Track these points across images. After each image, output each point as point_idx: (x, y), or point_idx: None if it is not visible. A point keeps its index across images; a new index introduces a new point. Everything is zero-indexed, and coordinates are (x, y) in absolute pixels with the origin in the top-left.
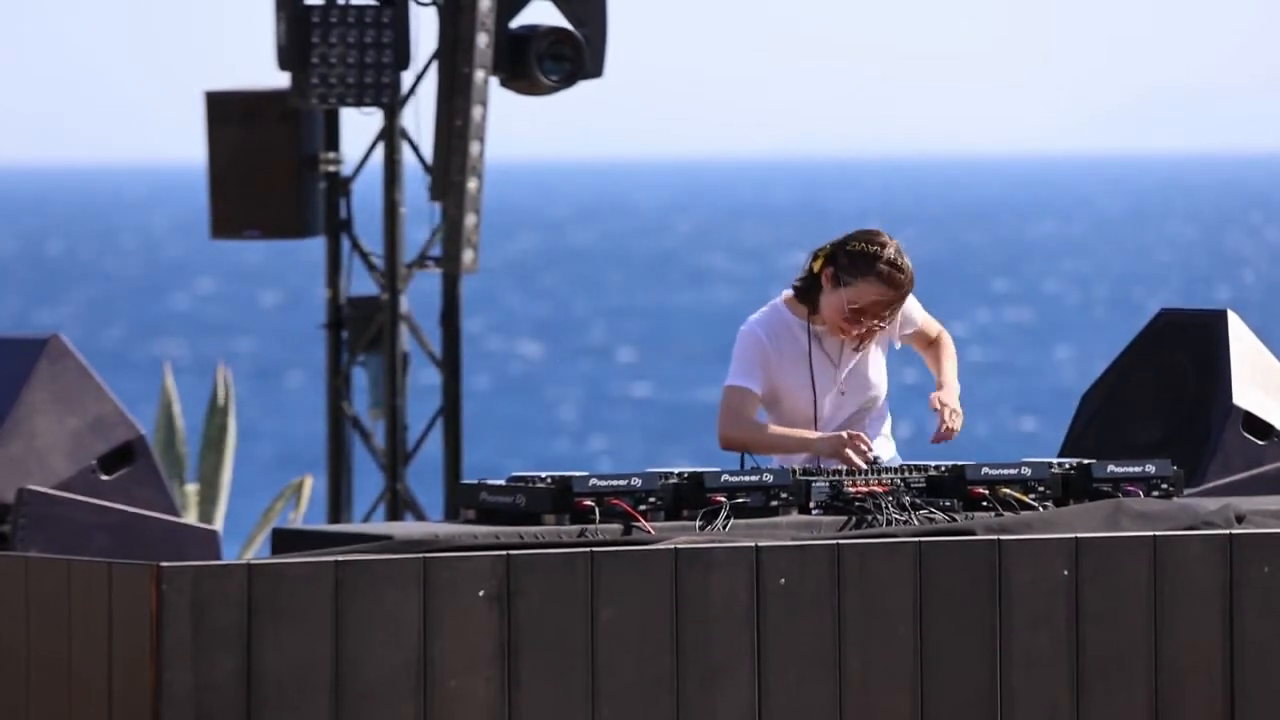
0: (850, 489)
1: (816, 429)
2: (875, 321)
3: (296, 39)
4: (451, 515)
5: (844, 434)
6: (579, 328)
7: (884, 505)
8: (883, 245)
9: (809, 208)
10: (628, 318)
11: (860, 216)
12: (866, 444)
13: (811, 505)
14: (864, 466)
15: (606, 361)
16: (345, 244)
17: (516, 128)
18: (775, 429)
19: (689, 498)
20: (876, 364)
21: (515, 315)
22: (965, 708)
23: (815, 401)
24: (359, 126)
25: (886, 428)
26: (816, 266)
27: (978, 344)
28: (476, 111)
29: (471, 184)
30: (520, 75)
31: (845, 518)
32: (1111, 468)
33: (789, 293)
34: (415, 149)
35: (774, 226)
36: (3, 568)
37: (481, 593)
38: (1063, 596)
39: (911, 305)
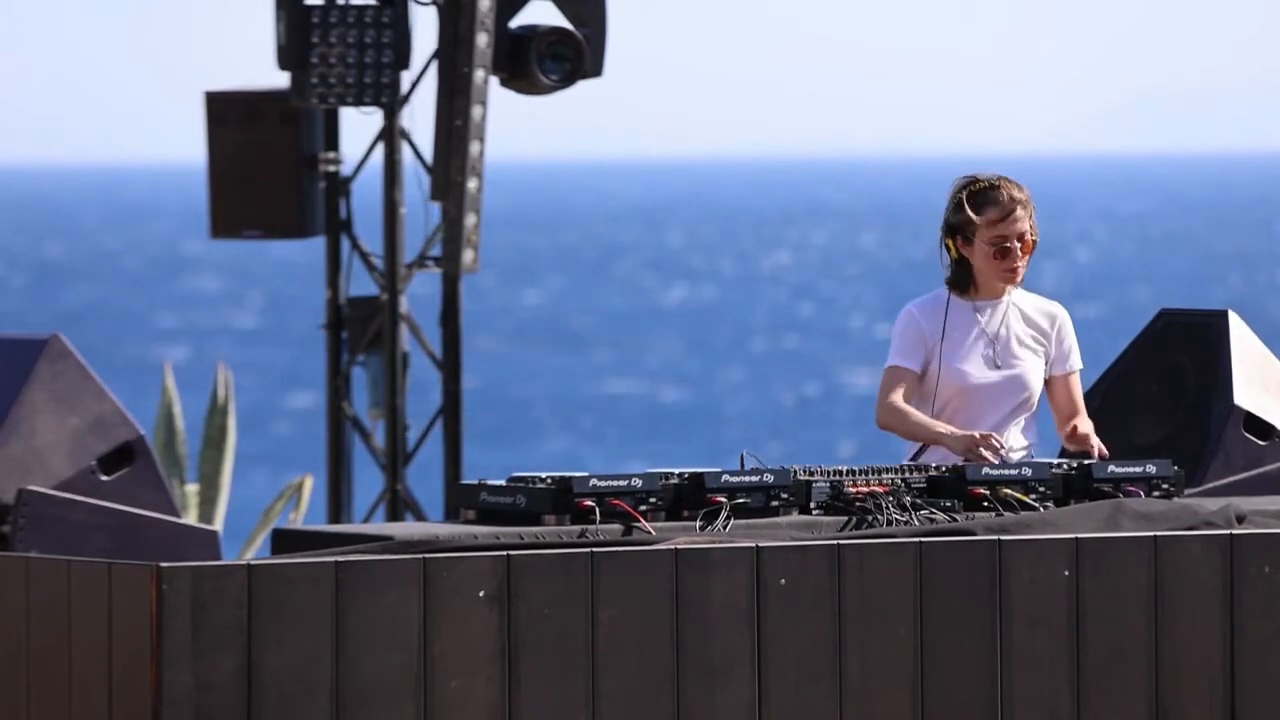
0: (850, 489)
1: (969, 401)
2: (1018, 236)
3: (296, 39)
4: (451, 516)
5: (977, 434)
6: (565, 326)
7: (884, 505)
8: (968, 179)
9: (809, 207)
10: (618, 317)
11: (860, 216)
12: (999, 442)
13: (812, 505)
14: (995, 463)
15: (587, 359)
16: (345, 244)
17: (517, 128)
18: (915, 418)
19: (689, 498)
20: (1036, 366)
21: (507, 315)
22: (965, 708)
23: (968, 374)
24: (359, 126)
25: (1031, 427)
26: (951, 248)
27: None
28: (476, 111)
29: (471, 184)
30: (520, 75)
31: (845, 518)
32: (1112, 468)
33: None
34: (415, 149)
35: (773, 227)
36: (3, 568)
37: (481, 593)
38: (1063, 596)
39: (1072, 350)
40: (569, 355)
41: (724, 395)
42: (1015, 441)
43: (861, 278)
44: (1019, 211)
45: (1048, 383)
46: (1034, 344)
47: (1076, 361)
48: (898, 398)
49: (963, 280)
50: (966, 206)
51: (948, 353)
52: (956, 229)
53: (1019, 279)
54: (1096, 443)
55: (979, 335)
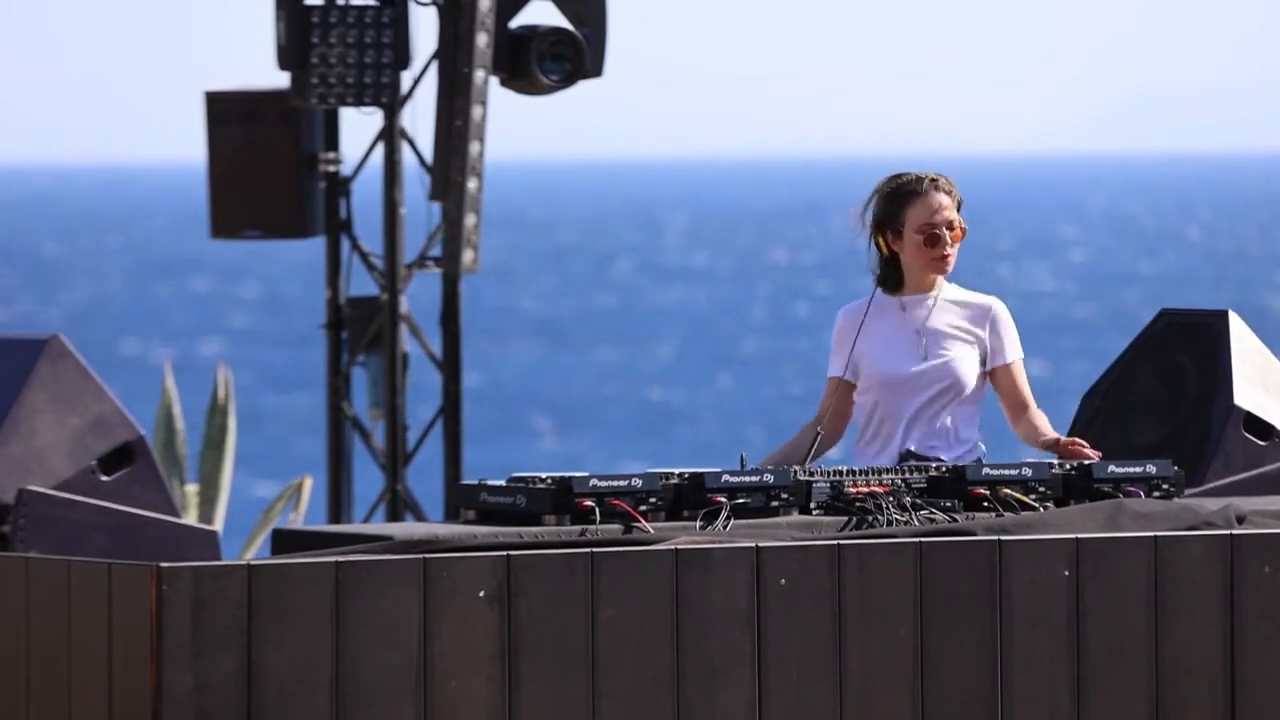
0: (850, 489)
1: (894, 394)
2: (946, 224)
3: (296, 39)
4: (451, 516)
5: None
6: (563, 326)
7: (884, 505)
8: (898, 174)
9: (807, 207)
10: (613, 317)
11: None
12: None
13: (812, 505)
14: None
15: (584, 358)
16: (345, 244)
17: (517, 128)
18: (798, 436)
19: (689, 498)
20: (967, 355)
21: (504, 315)
22: (965, 708)
23: (889, 369)
24: (359, 126)
25: (973, 422)
26: (880, 242)
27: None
28: (476, 111)
29: (471, 184)
30: (520, 75)
31: (845, 518)
32: (1112, 468)
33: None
34: (415, 149)
35: (772, 226)
36: (3, 568)
37: (481, 593)
38: (1063, 596)
39: (1009, 340)
40: (567, 354)
41: (720, 395)
42: (963, 431)
43: (860, 277)
44: (945, 200)
45: (991, 376)
46: (965, 336)
47: (1016, 351)
48: (822, 406)
49: (891, 278)
50: (894, 199)
51: (869, 351)
52: (885, 223)
53: (949, 267)
54: (1087, 449)
55: (904, 330)
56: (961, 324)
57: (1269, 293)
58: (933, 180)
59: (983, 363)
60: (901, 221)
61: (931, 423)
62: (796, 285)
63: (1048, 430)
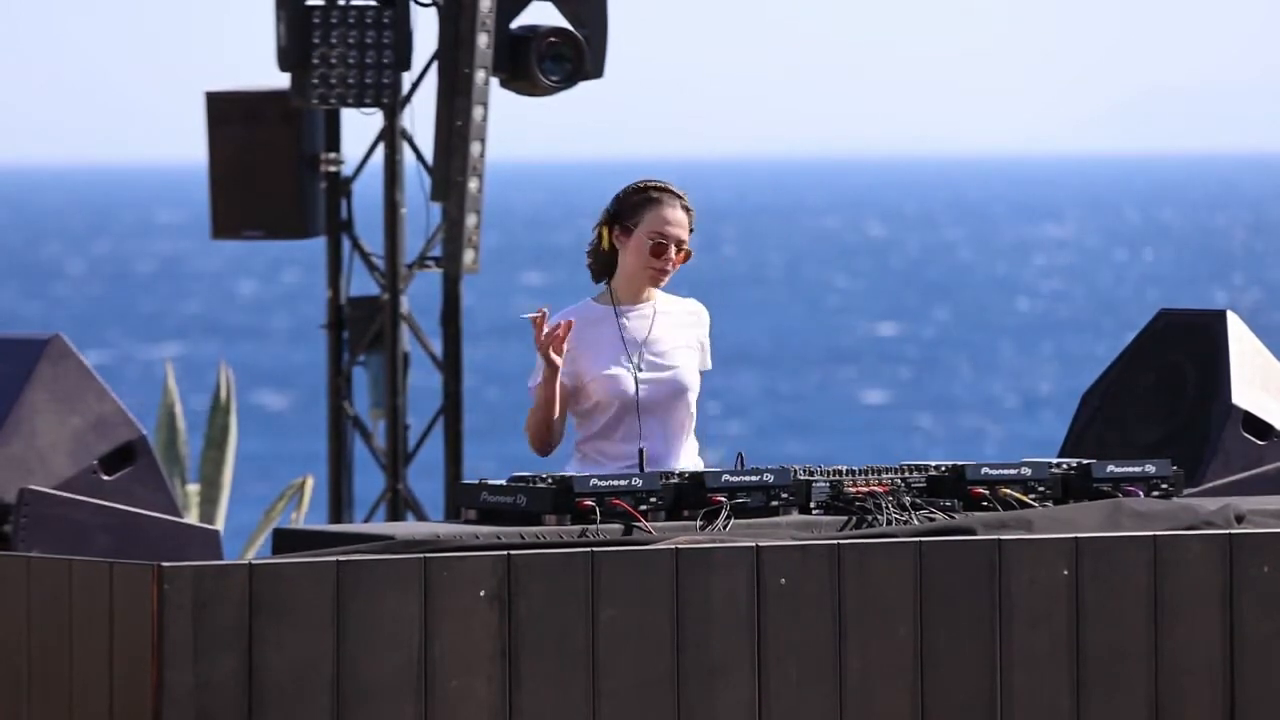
0: (850, 489)
1: (628, 407)
2: (677, 242)
3: (297, 39)
4: (452, 515)
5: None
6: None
7: (884, 505)
8: (647, 180)
9: (806, 207)
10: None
11: (860, 216)
12: (542, 310)
13: (812, 505)
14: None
15: None
16: (346, 244)
17: (517, 128)
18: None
19: (689, 498)
20: (687, 359)
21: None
22: (965, 708)
23: (620, 379)
24: (359, 127)
25: (691, 425)
26: (604, 236)
27: (982, 344)
28: (477, 112)
29: (472, 184)
30: (520, 75)
31: (845, 518)
32: (1111, 468)
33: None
34: (416, 149)
35: (771, 226)
36: (4, 568)
37: (482, 593)
38: (1063, 596)
39: (705, 356)
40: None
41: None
42: (689, 450)
43: (858, 277)
44: (682, 216)
45: None
46: (686, 344)
47: (708, 364)
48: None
49: (602, 271)
50: (637, 197)
51: (595, 361)
52: (619, 216)
53: (664, 282)
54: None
55: (627, 340)
56: (682, 331)
57: (1268, 292)
58: (678, 195)
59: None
60: (636, 221)
61: (665, 429)
62: (798, 285)
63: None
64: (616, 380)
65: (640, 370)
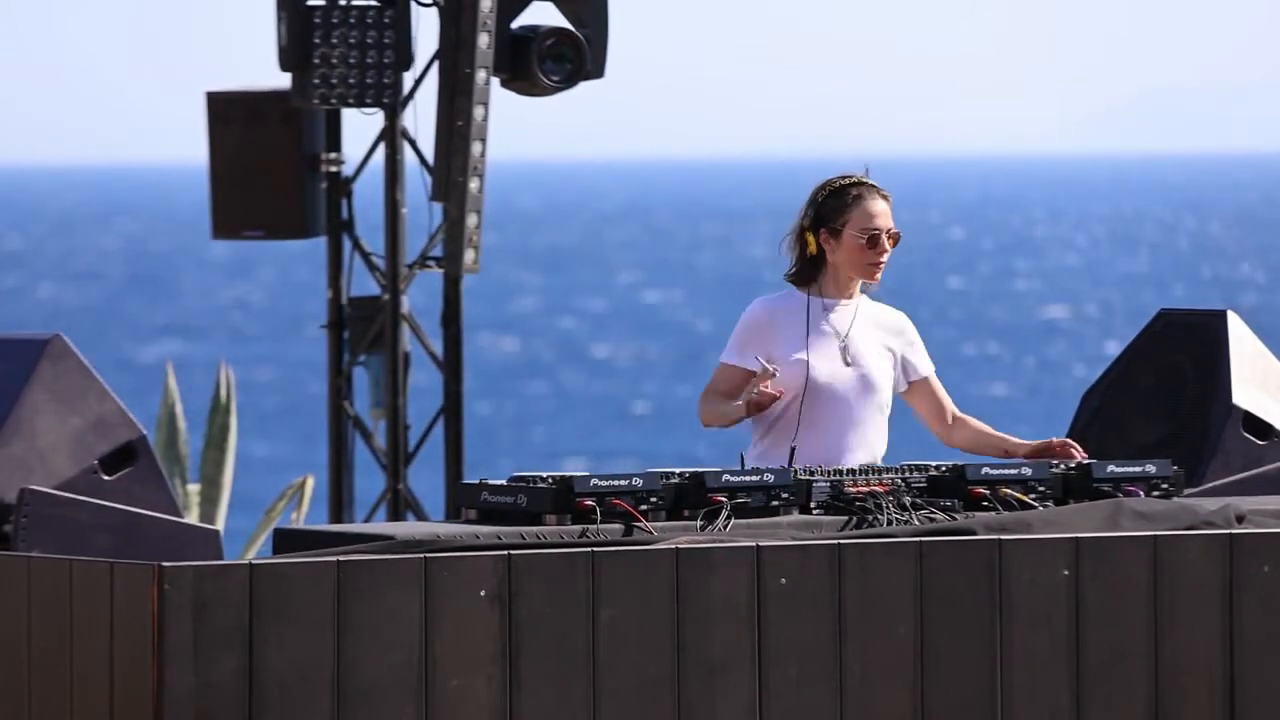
0: (850, 489)
1: (819, 396)
2: (887, 232)
3: (298, 39)
4: (453, 515)
5: (765, 391)
6: (553, 326)
7: (884, 505)
8: (841, 178)
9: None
10: (606, 319)
11: None
12: (772, 370)
13: (812, 505)
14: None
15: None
16: (346, 244)
17: (517, 128)
18: (721, 404)
19: (690, 498)
20: (880, 362)
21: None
22: (965, 708)
23: (816, 368)
24: (360, 127)
25: (883, 422)
26: (811, 241)
27: (976, 344)
28: (478, 112)
29: (473, 184)
30: (521, 75)
31: (846, 517)
32: (1111, 468)
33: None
34: (416, 149)
35: (770, 225)
36: (4, 568)
37: (482, 593)
38: (1063, 596)
39: (921, 357)
40: (559, 353)
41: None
42: (877, 442)
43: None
44: (887, 206)
45: (912, 388)
46: (883, 349)
47: (926, 366)
48: (713, 391)
49: (808, 276)
50: (838, 198)
51: (793, 346)
52: (824, 219)
53: (879, 274)
54: (1078, 450)
55: (830, 331)
56: (879, 335)
57: (1268, 293)
58: (874, 186)
59: (899, 378)
60: (843, 222)
61: (854, 429)
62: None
63: (1007, 436)
64: (806, 367)
65: (831, 361)
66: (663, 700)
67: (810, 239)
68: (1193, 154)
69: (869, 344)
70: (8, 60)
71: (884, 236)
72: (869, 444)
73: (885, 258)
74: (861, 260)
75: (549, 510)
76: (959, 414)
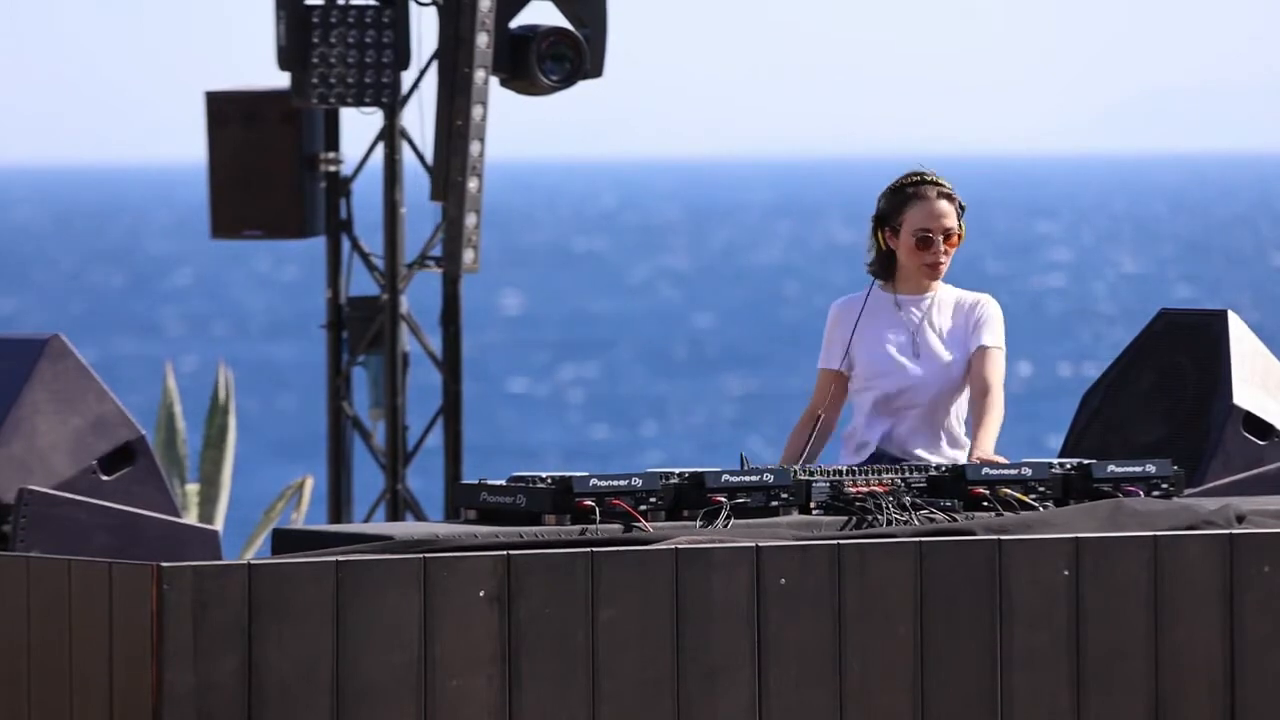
0: (850, 489)
1: (885, 391)
2: (941, 231)
3: (297, 39)
4: (452, 515)
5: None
6: (542, 328)
7: (884, 505)
8: (906, 175)
9: (805, 207)
10: (589, 319)
11: (860, 216)
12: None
13: (812, 505)
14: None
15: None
16: (345, 244)
17: (517, 128)
18: (788, 450)
19: (689, 498)
20: (952, 350)
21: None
22: (965, 708)
23: (879, 363)
24: (359, 126)
25: (961, 406)
26: (880, 239)
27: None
28: (477, 111)
29: (472, 184)
30: (520, 75)
31: (845, 517)
32: (1111, 468)
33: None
34: (415, 149)
35: (770, 226)
36: (3, 568)
37: (482, 593)
38: (1063, 596)
39: (989, 329)
40: (554, 355)
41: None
42: (955, 427)
43: (854, 278)
44: (944, 206)
45: (969, 361)
46: (954, 337)
47: (993, 339)
48: (816, 399)
49: (884, 272)
50: (897, 197)
51: (866, 346)
52: (885, 219)
53: (939, 275)
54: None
55: (898, 326)
56: (955, 322)
57: (1269, 293)
58: (936, 184)
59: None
60: (900, 221)
61: (930, 421)
62: (797, 286)
63: (983, 440)
64: (876, 364)
65: (899, 355)
66: (662, 700)
67: (880, 237)
68: (1193, 154)
69: (942, 335)
70: (7, 60)
71: (938, 239)
72: (947, 431)
73: (943, 259)
74: (917, 260)
75: (548, 510)
76: (991, 398)
